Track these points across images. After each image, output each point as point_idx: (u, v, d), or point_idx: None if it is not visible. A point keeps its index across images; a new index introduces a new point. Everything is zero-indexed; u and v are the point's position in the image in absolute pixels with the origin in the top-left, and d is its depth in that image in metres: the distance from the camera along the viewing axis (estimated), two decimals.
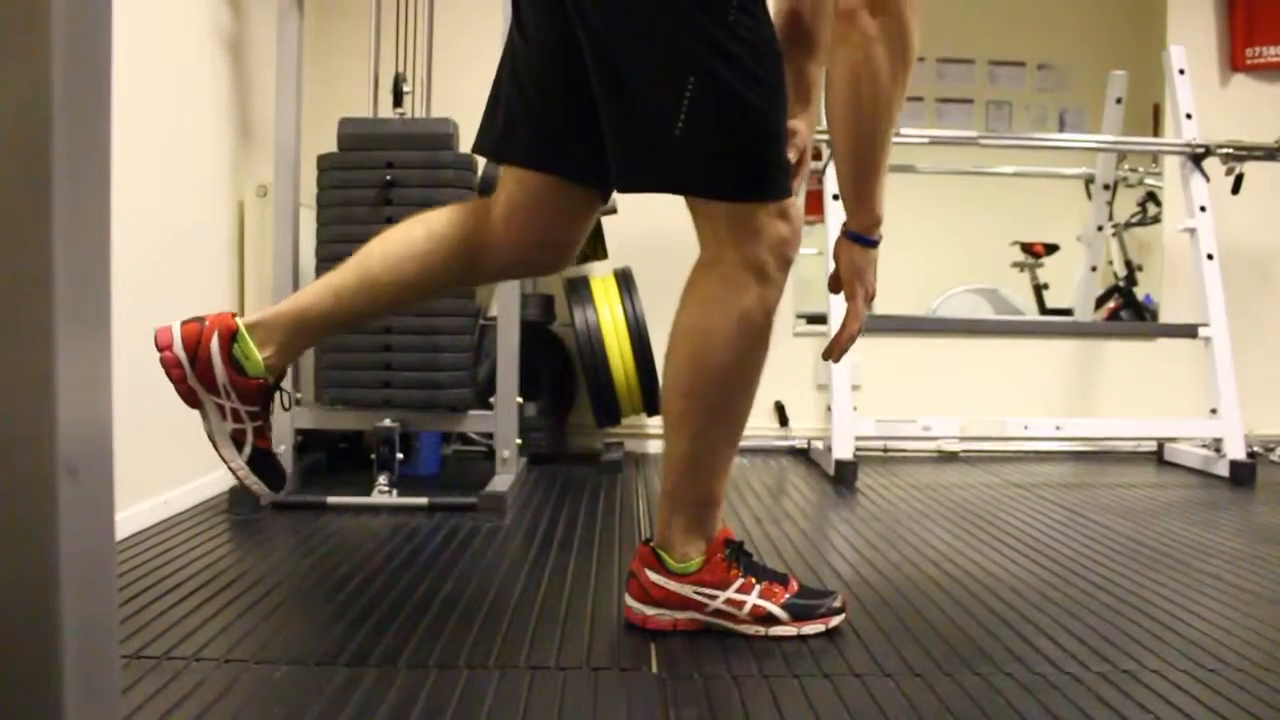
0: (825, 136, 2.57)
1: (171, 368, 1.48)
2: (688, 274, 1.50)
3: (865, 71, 1.31)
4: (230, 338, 1.48)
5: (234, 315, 1.50)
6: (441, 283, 1.59)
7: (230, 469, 1.53)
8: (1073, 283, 3.82)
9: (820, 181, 3.13)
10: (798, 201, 1.57)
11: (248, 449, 1.52)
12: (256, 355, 1.49)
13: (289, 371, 1.60)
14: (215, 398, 1.49)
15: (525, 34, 1.50)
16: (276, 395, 1.56)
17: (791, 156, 1.51)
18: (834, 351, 1.51)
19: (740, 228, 1.40)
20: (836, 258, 1.50)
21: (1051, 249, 3.94)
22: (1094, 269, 3.71)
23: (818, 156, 3.03)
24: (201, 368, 1.47)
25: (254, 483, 1.54)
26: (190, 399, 1.50)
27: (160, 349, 1.48)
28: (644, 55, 1.35)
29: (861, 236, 1.45)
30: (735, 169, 1.38)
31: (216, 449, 1.52)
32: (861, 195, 1.42)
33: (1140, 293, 3.87)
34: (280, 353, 1.52)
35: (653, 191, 1.42)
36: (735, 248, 1.41)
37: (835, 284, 1.52)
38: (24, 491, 0.47)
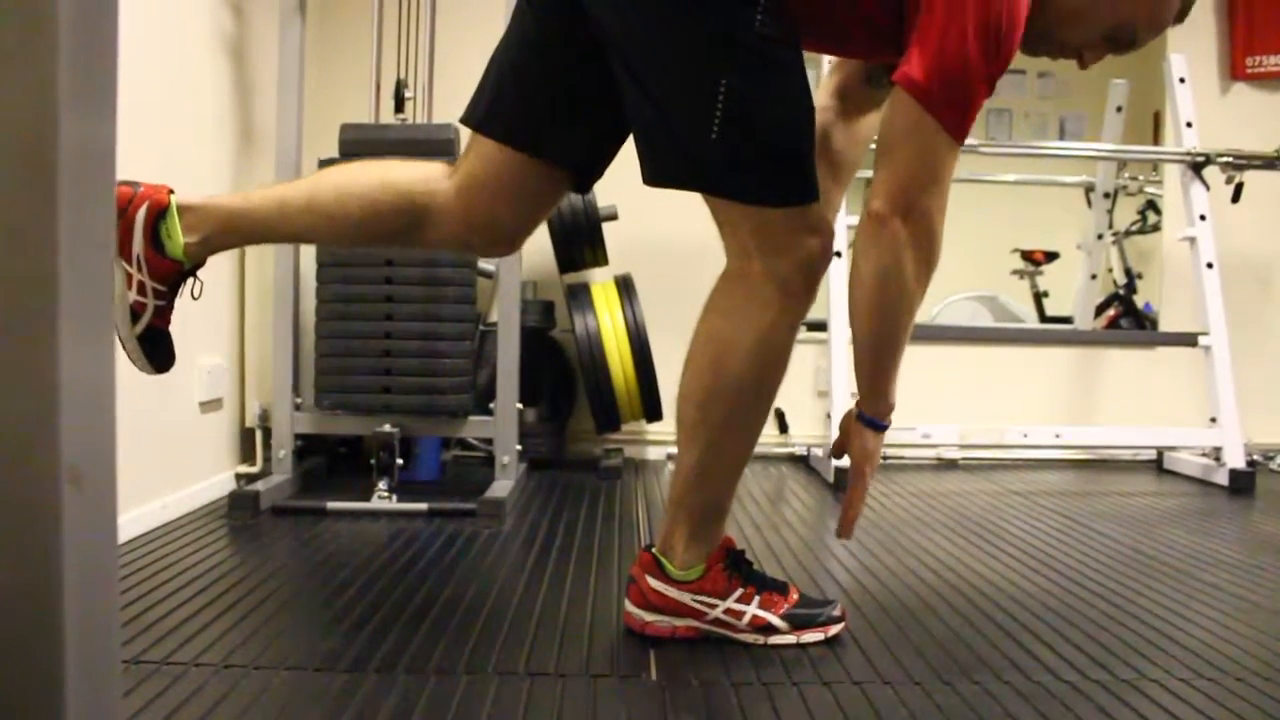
0: None
1: None
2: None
3: (893, 274, 1.35)
4: (159, 213, 1.46)
5: (169, 191, 1.48)
6: (380, 234, 1.57)
7: (119, 337, 1.48)
8: (1073, 290, 3.83)
9: None
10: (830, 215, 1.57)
11: (142, 324, 1.48)
12: (180, 238, 1.47)
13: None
14: (125, 265, 1.46)
15: (528, 16, 1.49)
16: (189, 282, 1.53)
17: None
18: (846, 531, 1.51)
19: (768, 240, 1.39)
20: (846, 435, 1.52)
21: (1051, 257, 3.95)
22: (1094, 277, 3.71)
23: None
24: (121, 232, 1.44)
25: (139, 359, 1.50)
26: None
27: None
28: (672, 57, 1.35)
29: (875, 422, 1.47)
30: (769, 172, 1.37)
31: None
32: (878, 384, 1.45)
33: (1140, 301, 3.88)
34: (203, 243, 1.49)
35: (684, 189, 1.41)
36: (762, 260, 1.40)
37: (839, 451, 1.55)
38: (27, 497, 0.47)
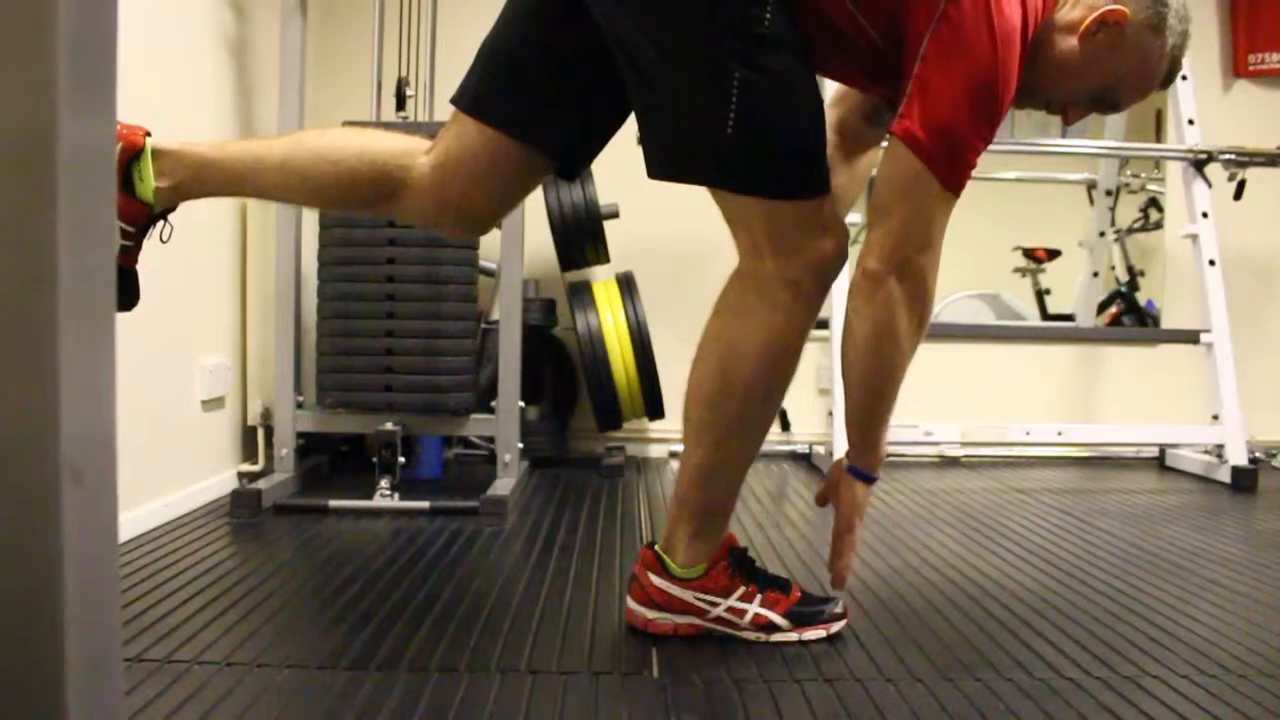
0: None
1: None
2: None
3: (887, 332, 1.37)
4: (133, 154, 1.45)
5: (146, 134, 1.47)
6: (350, 201, 1.57)
7: None
8: (1075, 288, 3.83)
9: None
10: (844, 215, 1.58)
11: None
12: (151, 181, 1.46)
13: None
14: None
15: (525, 3, 1.49)
16: (158, 225, 1.52)
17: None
18: (840, 582, 1.52)
19: (781, 239, 1.39)
20: (834, 485, 1.53)
21: (1054, 254, 3.94)
22: (1096, 274, 3.71)
23: None
24: None
25: None
26: None
27: None
28: (683, 53, 1.34)
29: (866, 474, 1.49)
30: (782, 165, 1.37)
31: None
32: (869, 437, 1.47)
33: (1142, 298, 3.87)
34: (174, 189, 1.48)
35: (696, 184, 1.41)
36: (774, 260, 1.39)
37: (823, 500, 1.57)
38: (27, 495, 0.47)
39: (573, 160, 1.56)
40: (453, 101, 1.54)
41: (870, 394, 1.44)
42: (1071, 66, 1.41)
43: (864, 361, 1.41)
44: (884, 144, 1.42)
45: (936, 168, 1.30)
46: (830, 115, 1.66)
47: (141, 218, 1.48)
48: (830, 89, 1.63)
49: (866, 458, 1.48)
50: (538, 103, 1.49)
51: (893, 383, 1.42)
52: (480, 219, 1.60)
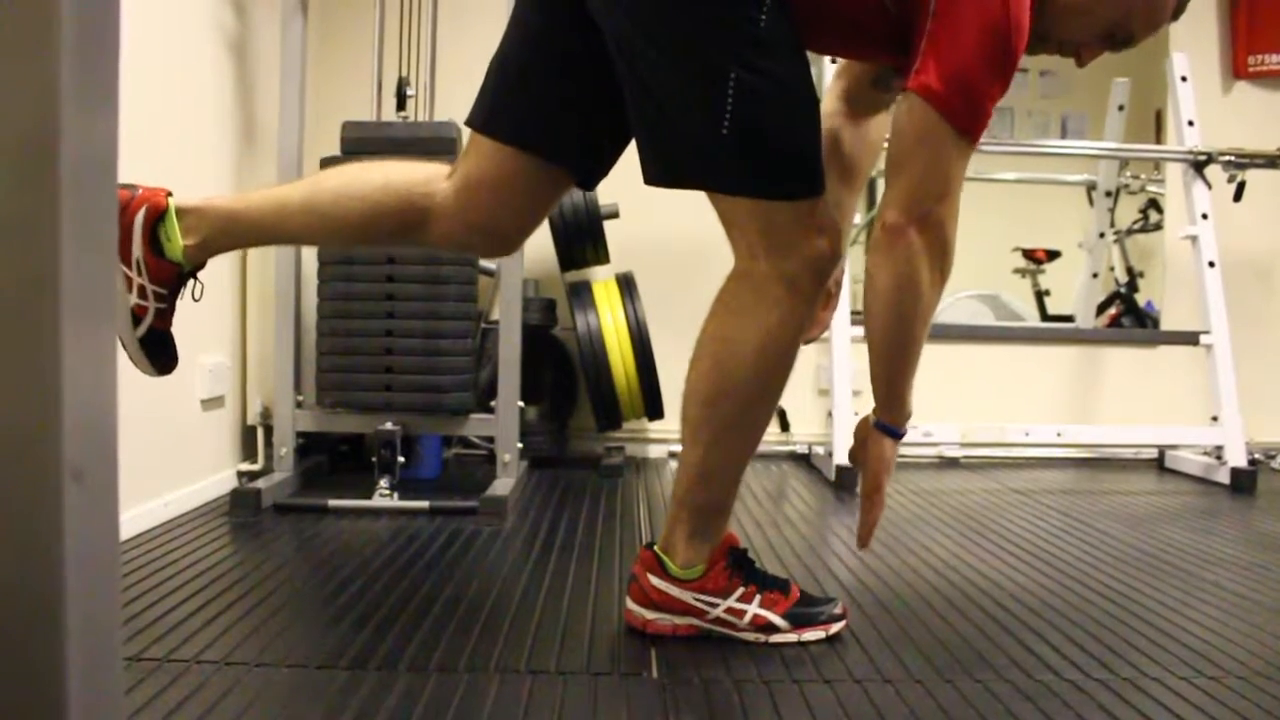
0: None
1: None
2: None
3: (909, 284, 1.36)
4: (158, 215, 1.46)
5: (168, 194, 1.48)
6: (379, 235, 1.58)
7: (120, 342, 1.50)
8: (1074, 289, 3.83)
9: None
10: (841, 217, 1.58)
11: (144, 327, 1.48)
12: (179, 240, 1.47)
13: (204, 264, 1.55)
14: (125, 268, 1.46)
15: (530, 14, 1.49)
16: (189, 284, 1.53)
17: (832, 287, 1.54)
18: (865, 541, 1.51)
19: (776, 239, 1.39)
20: (862, 444, 1.52)
21: (1053, 255, 3.94)
22: (1095, 275, 3.71)
23: None
24: (120, 235, 1.45)
25: (141, 361, 1.51)
26: None
27: None
28: (680, 54, 1.35)
29: (893, 429, 1.48)
30: (778, 166, 1.37)
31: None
32: (895, 392, 1.46)
33: (1141, 299, 3.87)
34: (202, 246, 1.50)
35: (697, 189, 1.41)
36: (769, 259, 1.40)
37: (854, 459, 1.55)
38: (29, 494, 0.47)
39: (589, 170, 1.57)
40: (466, 123, 1.55)
41: (894, 348, 1.43)
42: (1081, 4, 1.40)
43: (887, 315, 1.40)
44: (894, 108, 1.42)
45: (953, 117, 1.29)
46: (836, 86, 1.67)
47: (173, 278, 1.49)
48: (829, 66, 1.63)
49: (893, 413, 1.47)
50: (549, 116, 1.50)
51: (916, 336, 1.41)
52: (508, 237, 1.61)
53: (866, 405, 1.50)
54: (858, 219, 2.72)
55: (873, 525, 1.50)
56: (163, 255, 1.47)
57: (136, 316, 1.48)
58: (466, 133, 2.56)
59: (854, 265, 3.67)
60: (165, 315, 1.51)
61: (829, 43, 1.51)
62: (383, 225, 1.54)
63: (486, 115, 1.52)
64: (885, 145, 1.47)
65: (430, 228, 1.54)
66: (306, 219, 1.52)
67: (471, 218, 1.53)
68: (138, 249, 1.45)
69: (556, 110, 1.49)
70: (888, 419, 1.47)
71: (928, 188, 1.34)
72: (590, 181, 1.60)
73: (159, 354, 1.52)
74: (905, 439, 1.51)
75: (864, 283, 1.42)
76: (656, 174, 1.42)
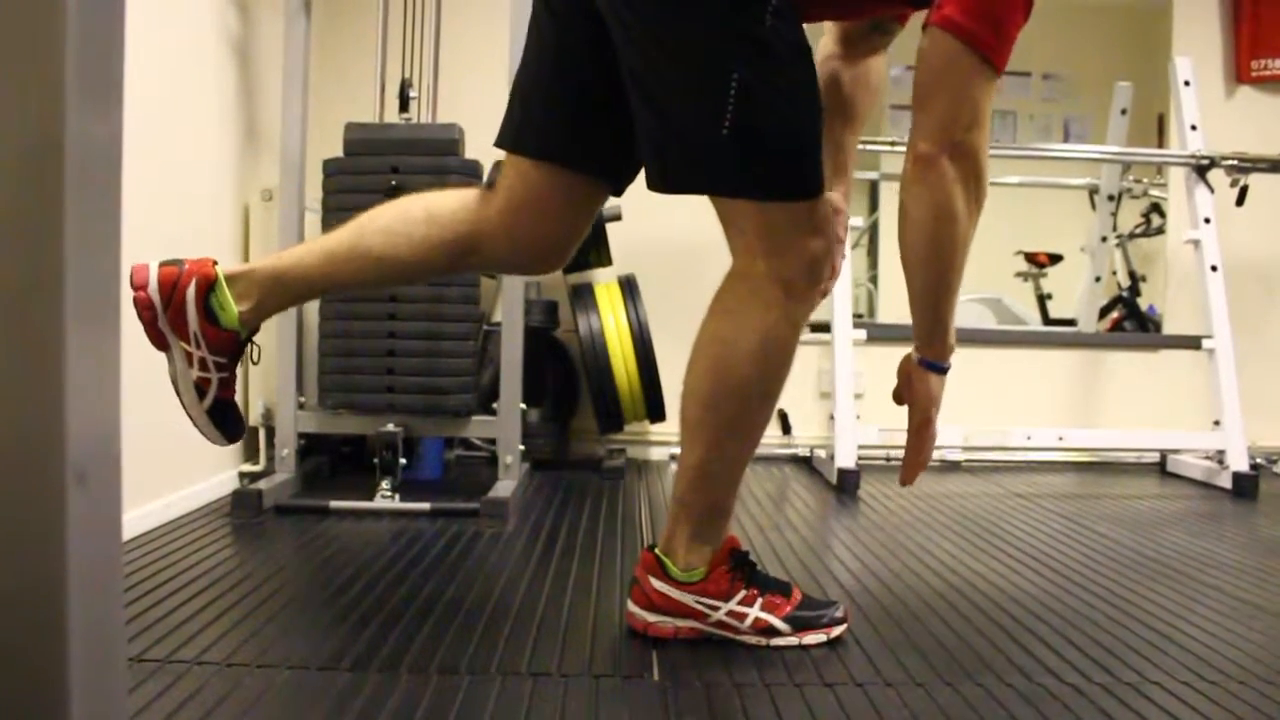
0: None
1: (143, 309, 1.46)
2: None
3: (945, 213, 1.36)
4: (208, 287, 1.47)
5: (214, 263, 1.48)
6: (432, 268, 1.58)
7: (189, 415, 1.52)
8: (1076, 293, 3.82)
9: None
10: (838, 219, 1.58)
11: (209, 399, 1.50)
12: (233, 307, 1.48)
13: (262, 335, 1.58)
14: (184, 344, 1.47)
15: (546, 27, 1.50)
16: (247, 348, 1.54)
17: (841, 234, 1.53)
18: (912, 477, 1.51)
19: (773, 240, 1.39)
20: (907, 382, 1.51)
21: (1055, 259, 3.94)
22: (1098, 279, 3.71)
23: None
24: (174, 313, 1.46)
25: (211, 432, 1.53)
26: (158, 342, 1.48)
27: (134, 288, 1.45)
28: (683, 55, 1.35)
29: (938, 365, 1.47)
30: (778, 168, 1.37)
31: (178, 394, 1.51)
32: (938, 326, 1.45)
33: (1144, 304, 3.87)
34: (257, 308, 1.51)
35: (696, 194, 1.41)
36: (766, 260, 1.40)
37: (899, 399, 1.54)
38: (33, 496, 0.47)
39: (619, 175, 1.57)
40: (496, 144, 1.56)
41: (933, 280, 1.42)
42: None
43: (924, 248, 1.39)
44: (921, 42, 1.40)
45: (977, 45, 1.29)
46: (834, 29, 1.66)
47: (231, 346, 1.50)
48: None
49: (936, 348, 1.46)
50: (570, 126, 1.50)
51: (955, 267, 1.40)
52: (556, 251, 1.61)
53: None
54: (859, 221, 2.72)
55: (923, 464, 1.50)
56: (219, 324, 1.48)
57: (201, 389, 1.50)
58: (469, 134, 2.58)
59: (855, 268, 3.67)
60: (228, 384, 1.52)
61: (832, 13, 1.50)
62: (434, 258, 1.54)
63: (514, 133, 1.54)
64: (894, 86, 1.45)
65: (480, 253, 1.55)
66: (359, 264, 1.53)
67: (518, 236, 1.54)
68: (193, 322, 1.46)
69: (577, 119, 1.50)
70: (931, 355, 1.47)
71: (957, 117, 1.33)
72: (621, 188, 1.60)
73: (226, 422, 1.55)
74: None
75: (898, 219, 1.41)
76: (658, 179, 1.42)
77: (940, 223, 1.36)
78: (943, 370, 1.47)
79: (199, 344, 1.47)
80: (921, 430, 1.49)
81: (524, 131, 1.52)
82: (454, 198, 1.56)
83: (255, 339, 1.55)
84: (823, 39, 1.65)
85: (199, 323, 1.47)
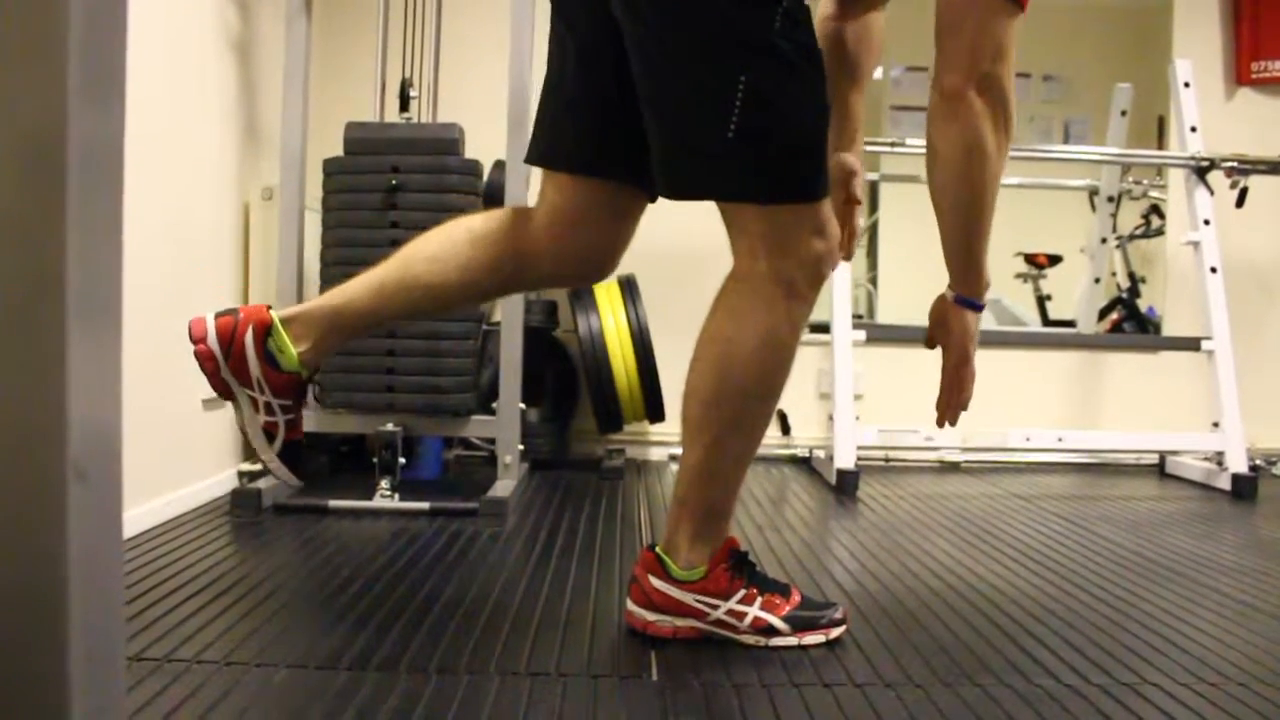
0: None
1: (205, 360, 1.47)
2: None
3: (976, 147, 1.36)
4: (265, 331, 1.48)
5: (268, 308, 1.50)
6: (482, 290, 1.59)
7: (262, 460, 1.54)
8: (1076, 294, 3.82)
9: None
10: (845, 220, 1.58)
11: (279, 443, 1.52)
12: (291, 350, 1.49)
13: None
14: (249, 391, 1.49)
15: (569, 40, 1.50)
16: (309, 389, 1.56)
17: (857, 194, 1.53)
18: (954, 417, 1.52)
19: (775, 241, 1.40)
20: (942, 322, 1.52)
21: (1055, 260, 3.94)
22: (1097, 281, 3.71)
23: None
24: (235, 361, 1.47)
25: (284, 474, 1.55)
26: (223, 391, 1.49)
27: (194, 341, 1.47)
28: (691, 57, 1.35)
29: (973, 302, 1.49)
30: (784, 170, 1.37)
31: (248, 440, 1.53)
32: (972, 263, 1.47)
33: (1143, 305, 3.87)
34: (315, 348, 1.52)
35: (702, 199, 1.41)
36: (768, 261, 1.40)
37: (932, 342, 1.55)
38: (33, 493, 0.47)
39: (651, 181, 1.57)
40: (526, 161, 1.58)
41: (966, 216, 1.42)
42: None
43: (956, 184, 1.39)
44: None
45: None
46: None
47: (294, 388, 1.52)
48: None
49: (970, 285, 1.47)
50: (596, 135, 1.50)
51: (987, 201, 1.40)
52: (602, 261, 1.61)
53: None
54: (860, 222, 2.71)
55: (965, 404, 1.51)
56: (279, 367, 1.49)
57: (269, 434, 1.52)
58: (469, 134, 2.58)
59: (854, 268, 3.67)
60: (295, 425, 1.54)
61: None
62: (483, 280, 1.55)
63: (544, 149, 1.55)
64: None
65: (528, 270, 1.56)
66: (410, 294, 1.54)
67: (564, 250, 1.55)
68: (255, 368, 1.48)
69: (605, 130, 1.50)
70: (966, 291, 1.48)
71: (983, 49, 1.33)
72: (655, 193, 1.60)
73: (298, 463, 1.56)
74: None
75: (926, 158, 1.41)
76: (664, 186, 1.43)
77: (972, 160, 1.36)
78: (979, 307, 1.48)
79: (263, 389, 1.49)
80: (960, 368, 1.50)
81: (554, 146, 1.54)
82: (496, 218, 1.57)
83: (316, 378, 1.56)
84: (822, 1, 1.65)
85: (260, 367, 1.48)
